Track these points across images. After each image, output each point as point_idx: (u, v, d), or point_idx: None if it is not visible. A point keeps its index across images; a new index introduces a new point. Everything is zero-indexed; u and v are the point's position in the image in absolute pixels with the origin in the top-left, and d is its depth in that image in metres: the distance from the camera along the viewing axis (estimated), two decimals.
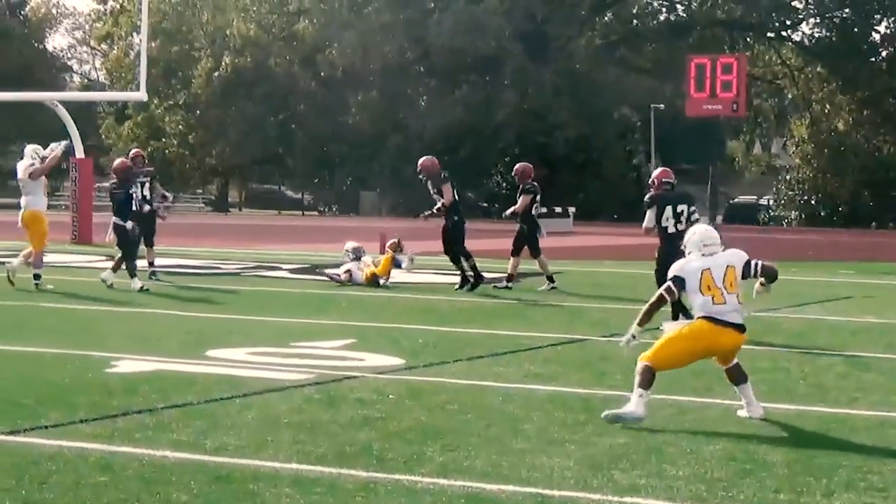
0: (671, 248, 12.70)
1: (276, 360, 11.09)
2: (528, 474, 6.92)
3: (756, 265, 8.80)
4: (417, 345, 12.30)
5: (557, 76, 63.66)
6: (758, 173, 77.76)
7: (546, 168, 53.77)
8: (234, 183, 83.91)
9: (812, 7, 67.14)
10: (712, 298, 8.54)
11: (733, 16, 66.05)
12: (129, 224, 18.20)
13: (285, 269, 23.21)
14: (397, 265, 19.46)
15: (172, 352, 11.51)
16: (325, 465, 7.02)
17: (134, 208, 18.56)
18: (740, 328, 8.61)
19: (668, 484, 6.77)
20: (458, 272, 18.78)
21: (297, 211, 76.30)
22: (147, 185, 19.79)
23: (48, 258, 19.25)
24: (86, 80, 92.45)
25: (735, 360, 8.70)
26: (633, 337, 8.69)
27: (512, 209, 19.44)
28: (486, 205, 61.93)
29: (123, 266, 18.23)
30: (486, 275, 19.01)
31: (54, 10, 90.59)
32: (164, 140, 72.86)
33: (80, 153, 32.04)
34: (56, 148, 18.43)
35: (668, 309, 12.16)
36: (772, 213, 66.60)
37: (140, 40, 38.88)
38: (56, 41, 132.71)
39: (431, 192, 18.93)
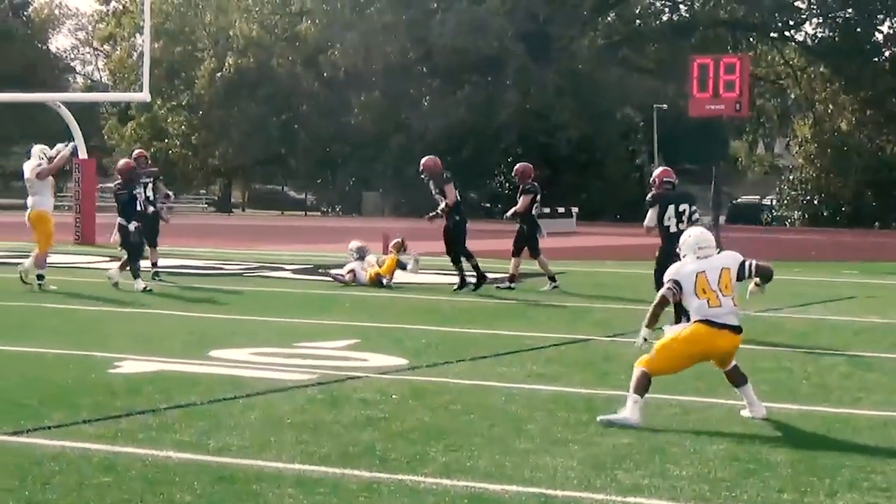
0: (672, 247, 12.66)
1: (280, 361, 11.09)
2: (531, 474, 6.92)
3: (750, 266, 8.80)
4: (420, 345, 12.30)
5: (560, 76, 63.67)
6: (761, 173, 77.73)
7: (549, 168, 53.85)
8: (237, 183, 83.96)
9: (815, 7, 67.14)
10: (707, 302, 8.55)
11: (736, 16, 66.01)
12: (131, 225, 18.21)
13: (288, 270, 23.20)
14: (402, 267, 19.40)
15: (175, 352, 11.52)
16: (328, 466, 7.02)
17: (138, 209, 18.56)
18: (737, 330, 8.61)
19: (672, 484, 6.77)
20: (457, 273, 18.76)
21: (300, 211, 76.33)
22: (150, 185, 19.81)
23: (51, 259, 19.24)
24: (89, 81, 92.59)
25: (733, 363, 8.70)
26: (645, 339, 8.70)
27: (513, 210, 19.48)
28: (488, 205, 61.94)
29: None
30: (488, 275, 19.00)
31: (57, 11, 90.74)
32: (167, 141, 72.91)
33: (83, 154, 32.04)
34: (63, 149, 18.45)
35: (670, 309, 12.14)
36: (775, 213, 66.59)
37: (143, 41, 38.89)
38: (59, 42, 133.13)
39: (433, 192, 18.93)
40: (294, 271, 22.97)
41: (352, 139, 67.59)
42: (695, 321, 8.60)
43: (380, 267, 19.38)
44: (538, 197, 19.35)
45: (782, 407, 9.01)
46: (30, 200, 18.34)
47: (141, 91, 31.10)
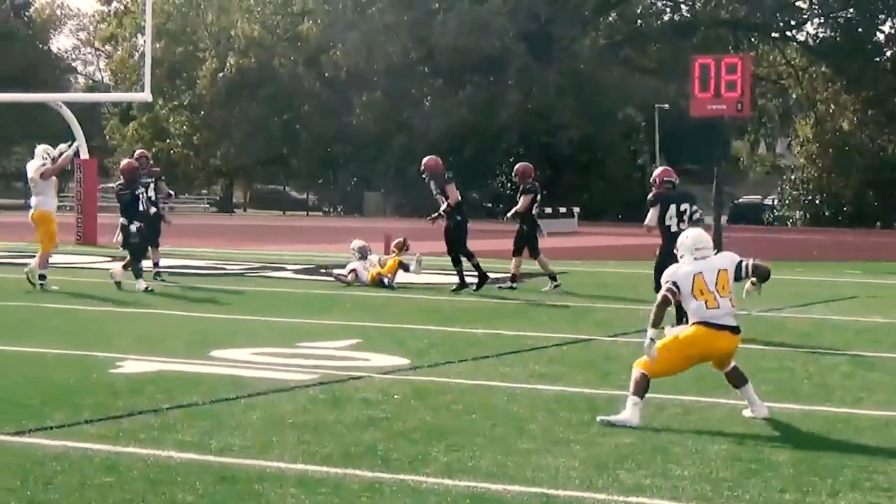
0: (672, 247, 12.63)
1: (281, 361, 11.09)
2: (533, 474, 6.92)
3: (747, 266, 8.79)
4: (422, 345, 12.29)
5: (561, 76, 63.67)
6: (762, 173, 77.72)
7: (550, 168, 53.91)
8: (238, 183, 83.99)
9: (816, 7, 67.12)
10: (705, 303, 8.55)
11: (737, 16, 65.98)
12: (133, 225, 18.20)
13: (290, 270, 23.21)
14: (405, 269, 19.36)
15: (177, 352, 11.52)
16: (330, 466, 7.02)
17: (141, 209, 18.57)
18: (735, 330, 8.62)
19: (674, 484, 6.76)
20: (457, 273, 18.75)
21: (302, 211, 76.35)
22: (152, 185, 19.81)
23: (52, 259, 19.23)
24: (90, 81, 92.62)
25: (732, 364, 8.70)
26: (652, 340, 8.69)
27: (514, 210, 19.50)
28: (490, 205, 61.93)
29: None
30: (490, 275, 18.99)
31: (58, 12, 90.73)
32: (168, 141, 72.95)
33: (84, 154, 32.04)
34: (67, 149, 18.45)
35: (671, 310, 12.13)
36: (776, 213, 66.61)
37: (144, 41, 38.91)
38: (60, 42, 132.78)
39: (434, 192, 18.92)
40: (296, 271, 22.97)
41: (353, 139, 67.58)
42: (693, 323, 8.61)
43: (382, 267, 19.36)
44: (538, 197, 19.39)
45: (784, 407, 9.01)
46: (33, 200, 18.34)
47: (142, 91, 31.12)
